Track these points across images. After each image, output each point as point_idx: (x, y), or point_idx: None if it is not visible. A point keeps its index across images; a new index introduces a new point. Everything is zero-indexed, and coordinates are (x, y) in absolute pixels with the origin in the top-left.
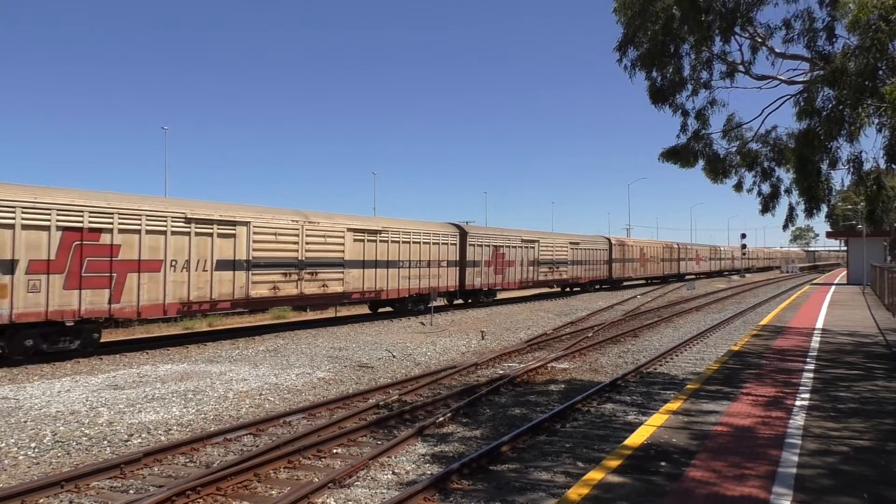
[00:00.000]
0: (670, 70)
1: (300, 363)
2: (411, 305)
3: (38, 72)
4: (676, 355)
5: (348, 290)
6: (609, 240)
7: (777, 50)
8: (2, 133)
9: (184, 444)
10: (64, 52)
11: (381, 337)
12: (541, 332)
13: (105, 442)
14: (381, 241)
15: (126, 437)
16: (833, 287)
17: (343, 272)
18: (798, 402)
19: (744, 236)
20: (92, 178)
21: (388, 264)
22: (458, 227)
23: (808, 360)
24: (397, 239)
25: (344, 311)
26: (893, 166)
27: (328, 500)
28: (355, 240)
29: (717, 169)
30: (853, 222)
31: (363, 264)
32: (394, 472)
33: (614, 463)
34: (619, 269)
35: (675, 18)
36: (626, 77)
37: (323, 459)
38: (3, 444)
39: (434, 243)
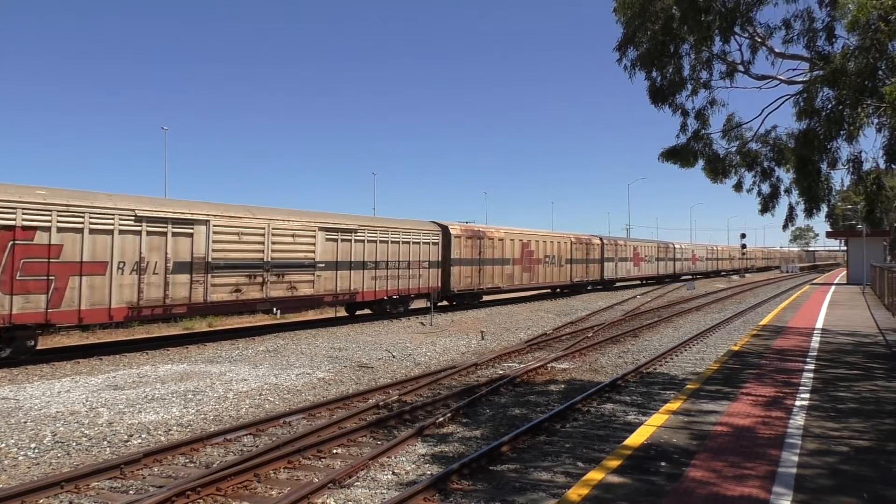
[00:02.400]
0: (670, 70)
1: (300, 363)
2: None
3: (38, 72)
4: (676, 355)
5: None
6: (602, 239)
7: (777, 50)
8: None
9: (184, 444)
10: (63, 52)
11: (381, 337)
12: (541, 332)
13: (105, 442)
14: (356, 240)
15: (126, 437)
16: (833, 287)
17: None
18: (798, 402)
19: (743, 236)
20: (92, 177)
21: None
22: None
23: (807, 360)
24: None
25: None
26: (893, 166)
27: (328, 501)
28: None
29: (717, 169)
30: (853, 222)
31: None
32: (394, 473)
33: (614, 463)
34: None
35: (674, 18)
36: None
37: (323, 460)
38: (3, 445)
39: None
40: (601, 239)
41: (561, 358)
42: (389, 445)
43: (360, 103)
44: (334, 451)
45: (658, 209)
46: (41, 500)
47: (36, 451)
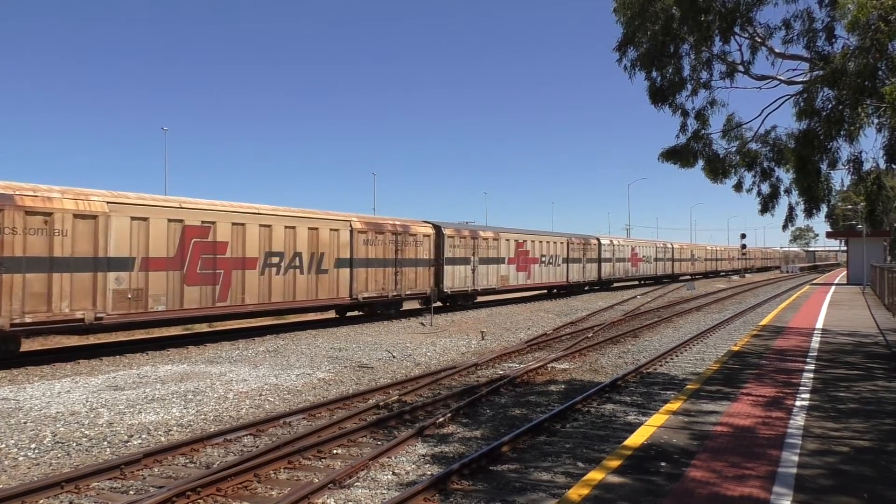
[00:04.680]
0: (670, 70)
1: (300, 364)
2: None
3: (38, 72)
4: (676, 356)
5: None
6: (599, 239)
7: (777, 50)
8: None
9: (184, 444)
10: (63, 50)
11: (381, 337)
12: (541, 333)
13: (105, 443)
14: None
15: (126, 437)
16: (833, 287)
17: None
18: (798, 403)
19: (744, 236)
20: (93, 177)
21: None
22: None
23: (808, 360)
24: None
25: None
26: (893, 166)
27: (328, 501)
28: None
29: (717, 169)
30: (853, 222)
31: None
32: (394, 473)
33: (614, 463)
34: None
35: (674, 18)
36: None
37: (323, 460)
38: (3, 445)
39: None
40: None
41: (561, 358)
42: (389, 446)
43: (360, 103)
44: (334, 451)
45: (658, 209)
46: (41, 501)
47: (36, 451)
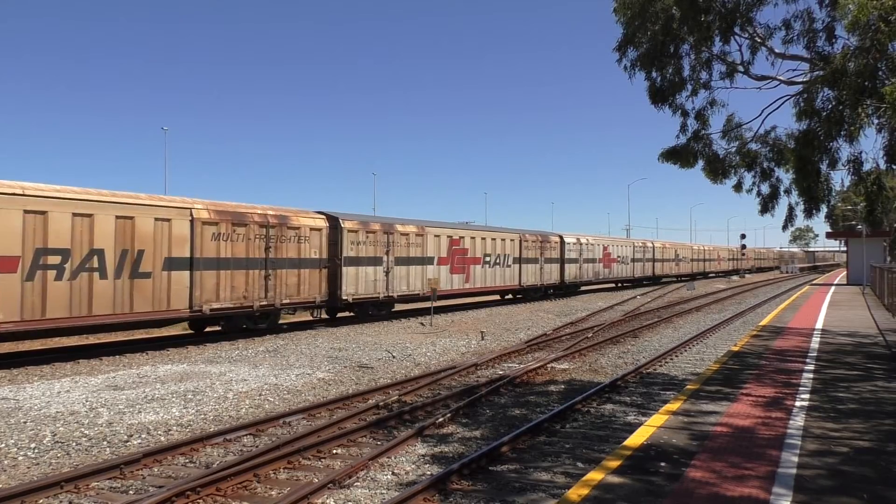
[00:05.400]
0: (670, 70)
1: (300, 364)
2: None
3: (39, 72)
4: (676, 356)
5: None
6: (562, 237)
7: (777, 50)
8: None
9: (183, 444)
10: (63, 49)
11: (381, 337)
12: (540, 333)
13: (105, 442)
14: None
15: (126, 437)
16: (833, 287)
17: None
18: (798, 403)
19: (743, 237)
20: (93, 177)
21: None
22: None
23: (807, 360)
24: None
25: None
26: (893, 167)
27: (328, 501)
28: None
29: (717, 169)
30: (853, 223)
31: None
32: (393, 473)
33: (614, 463)
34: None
35: (674, 19)
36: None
37: (323, 460)
38: (3, 445)
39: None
40: (561, 236)
41: (561, 358)
42: (389, 446)
43: (360, 103)
44: (334, 451)
45: (658, 209)
46: (41, 500)
47: (36, 451)
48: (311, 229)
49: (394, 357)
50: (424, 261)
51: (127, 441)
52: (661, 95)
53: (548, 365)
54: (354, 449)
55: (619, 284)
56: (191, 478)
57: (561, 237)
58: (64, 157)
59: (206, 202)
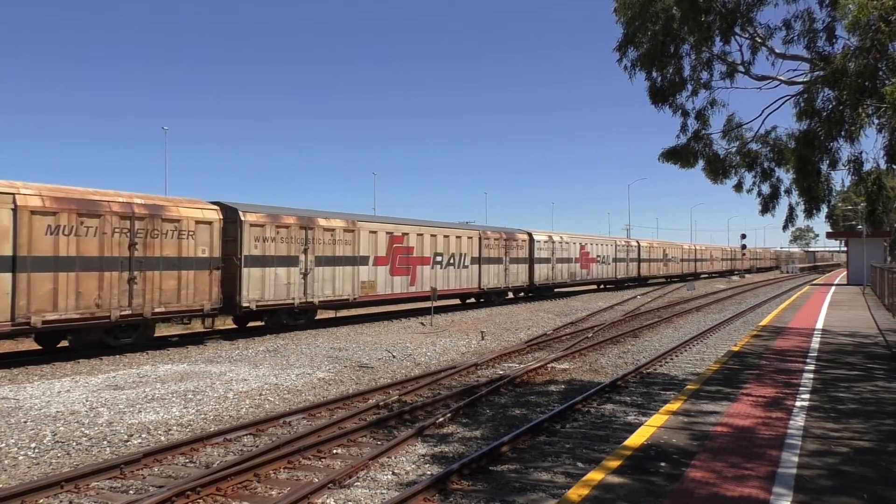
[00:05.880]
0: (670, 70)
1: (300, 363)
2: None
3: (38, 70)
4: (676, 356)
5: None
6: (531, 234)
7: (777, 50)
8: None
9: (184, 444)
10: (62, 50)
11: (381, 337)
12: (541, 333)
13: (105, 442)
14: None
15: (126, 437)
16: (833, 288)
17: None
18: (798, 403)
19: (744, 237)
20: (93, 177)
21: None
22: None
23: (808, 360)
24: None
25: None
26: (894, 167)
27: (328, 501)
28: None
29: (717, 169)
30: (853, 223)
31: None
32: (394, 473)
33: (614, 463)
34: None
35: (675, 19)
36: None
37: (323, 460)
38: (3, 445)
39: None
40: (530, 234)
41: (561, 358)
42: (389, 445)
43: (360, 103)
44: (334, 451)
45: (658, 209)
46: (41, 500)
47: (36, 450)
48: (198, 222)
49: (394, 357)
50: (356, 261)
51: (127, 441)
52: (661, 95)
53: (548, 365)
54: (355, 449)
55: (601, 286)
56: (191, 478)
57: (530, 234)
58: (64, 157)
59: (40, 186)
